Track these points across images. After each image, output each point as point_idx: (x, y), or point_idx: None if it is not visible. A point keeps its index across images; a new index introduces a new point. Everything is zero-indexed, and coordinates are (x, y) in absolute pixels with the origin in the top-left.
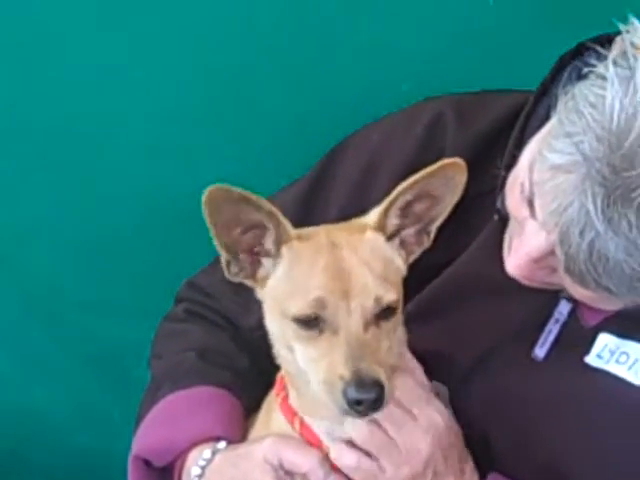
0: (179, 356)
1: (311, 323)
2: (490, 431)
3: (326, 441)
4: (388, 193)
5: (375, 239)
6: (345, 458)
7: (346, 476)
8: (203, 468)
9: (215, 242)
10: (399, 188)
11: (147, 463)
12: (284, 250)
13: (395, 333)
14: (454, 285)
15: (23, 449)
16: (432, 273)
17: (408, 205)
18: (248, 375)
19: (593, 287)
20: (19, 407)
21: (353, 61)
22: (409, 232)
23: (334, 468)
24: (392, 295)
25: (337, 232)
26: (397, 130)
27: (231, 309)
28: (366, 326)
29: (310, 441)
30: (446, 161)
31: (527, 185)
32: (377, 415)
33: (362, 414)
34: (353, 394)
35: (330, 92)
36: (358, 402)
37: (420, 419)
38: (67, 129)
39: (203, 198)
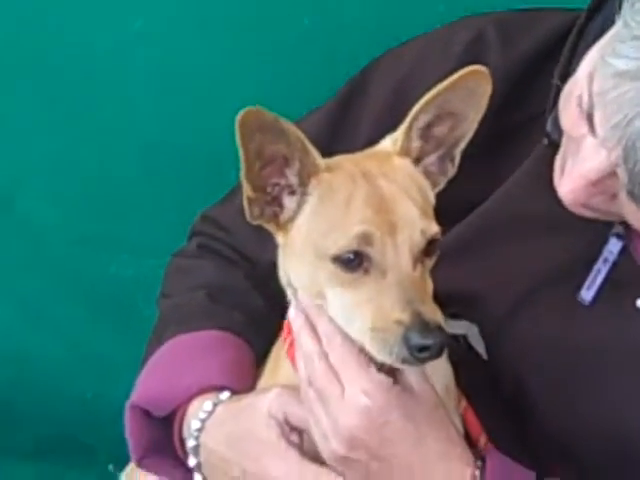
0: (187, 295)
1: (354, 263)
2: (527, 381)
3: None
4: None
5: (406, 166)
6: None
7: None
8: (203, 421)
9: (243, 174)
10: (418, 105)
11: (147, 413)
12: (313, 183)
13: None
14: (491, 221)
15: (14, 397)
16: (466, 209)
17: (428, 127)
18: (263, 317)
19: None
20: (9, 351)
21: None
22: (431, 159)
23: None
24: (435, 227)
25: (365, 160)
26: (432, 50)
27: (248, 244)
28: (415, 263)
29: None
30: (467, 69)
31: (586, 97)
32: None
33: (423, 362)
34: (417, 340)
35: (362, 13)
36: (423, 348)
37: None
38: (71, 62)
39: (237, 121)
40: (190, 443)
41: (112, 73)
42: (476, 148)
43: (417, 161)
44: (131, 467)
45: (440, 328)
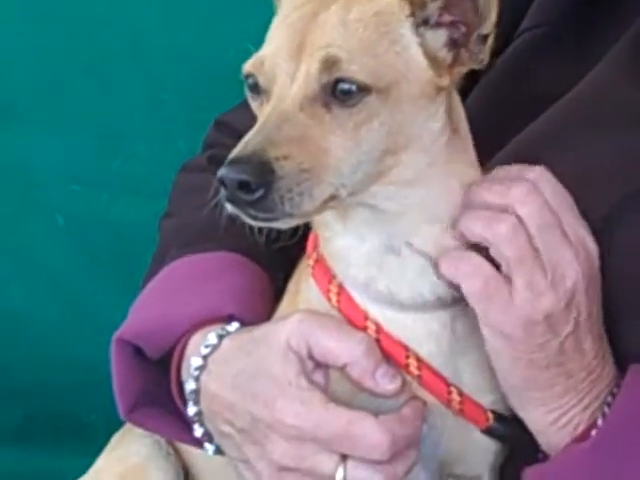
0: (193, 214)
1: (254, 89)
2: (628, 302)
3: (376, 314)
4: None
5: (391, 7)
6: (464, 261)
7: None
8: (206, 358)
9: None
10: None
11: (139, 352)
12: None
13: (375, 133)
14: (581, 112)
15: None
16: (550, 99)
17: None
18: (284, 241)
19: None
20: (3, 309)
21: None
22: (458, 33)
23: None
24: (353, 69)
25: None
26: None
27: None
28: (307, 102)
29: (352, 318)
30: None
31: None
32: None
33: (239, 208)
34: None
35: None
36: (221, 182)
37: (571, 237)
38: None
39: None
40: (189, 386)
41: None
42: (554, 26)
43: (436, 25)
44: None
45: (259, 163)
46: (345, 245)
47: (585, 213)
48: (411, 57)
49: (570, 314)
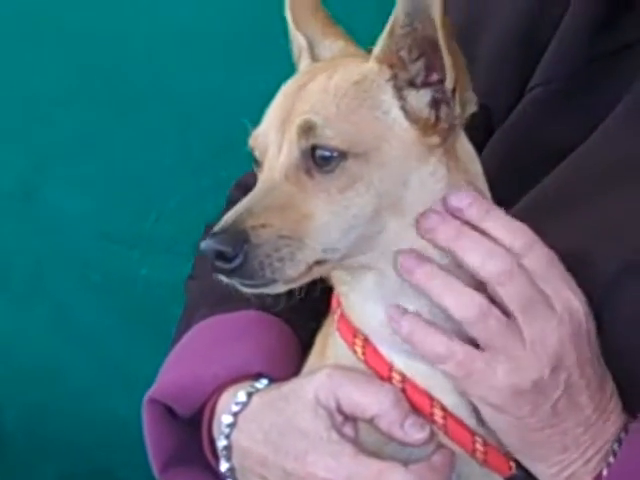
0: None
1: (257, 163)
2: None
3: (400, 364)
4: None
5: (372, 72)
6: (431, 342)
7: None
8: (236, 415)
9: None
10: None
11: (171, 413)
12: None
13: (362, 197)
14: (595, 166)
15: (39, 423)
16: (557, 157)
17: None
18: (310, 300)
19: None
20: (35, 368)
21: None
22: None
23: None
24: (328, 134)
25: (350, 57)
26: None
27: None
28: (292, 170)
29: (377, 369)
30: None
31: None
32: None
33: (226, 277)
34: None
35: None
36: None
37: (554, 303)
38: (100, 44)
39: None
40: (221, 443)
41: (143, 51)
42: (564, 82)
43: (420, 84)
44: None
45: (235, 233)
46: (360, 300)
47: (599, 266)
48: (393, 120)
49: (559, 377)
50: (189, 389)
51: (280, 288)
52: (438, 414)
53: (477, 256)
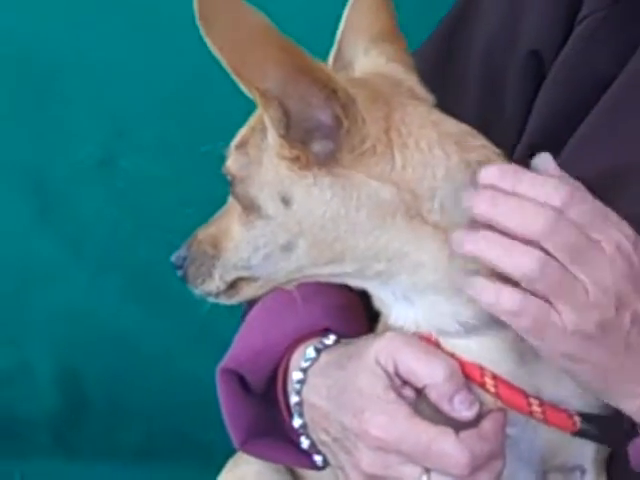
0: None
1: None
2: None
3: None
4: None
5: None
6: (505, 299)
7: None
8: (305, 371)
9: None
10: None
11: (245, 386)
12: None
13: (257, 221)
14: (630, 97)
15: (123, 389)
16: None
17: None
18: None
19: None
20: (116, 336)
21: None
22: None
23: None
24: (228, 162)
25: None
26: None
27: None
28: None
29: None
30: None
31: None
32: (548, 244)
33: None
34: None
35: None
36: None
37: (604, 245)
38: None
39: None
40: (293, 399)
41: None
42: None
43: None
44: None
45: (185, 242)
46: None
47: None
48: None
49: (624, 315)
50: (261, 353)
51: (228, 301)
52: (489, 382)
53: (519, 218)
